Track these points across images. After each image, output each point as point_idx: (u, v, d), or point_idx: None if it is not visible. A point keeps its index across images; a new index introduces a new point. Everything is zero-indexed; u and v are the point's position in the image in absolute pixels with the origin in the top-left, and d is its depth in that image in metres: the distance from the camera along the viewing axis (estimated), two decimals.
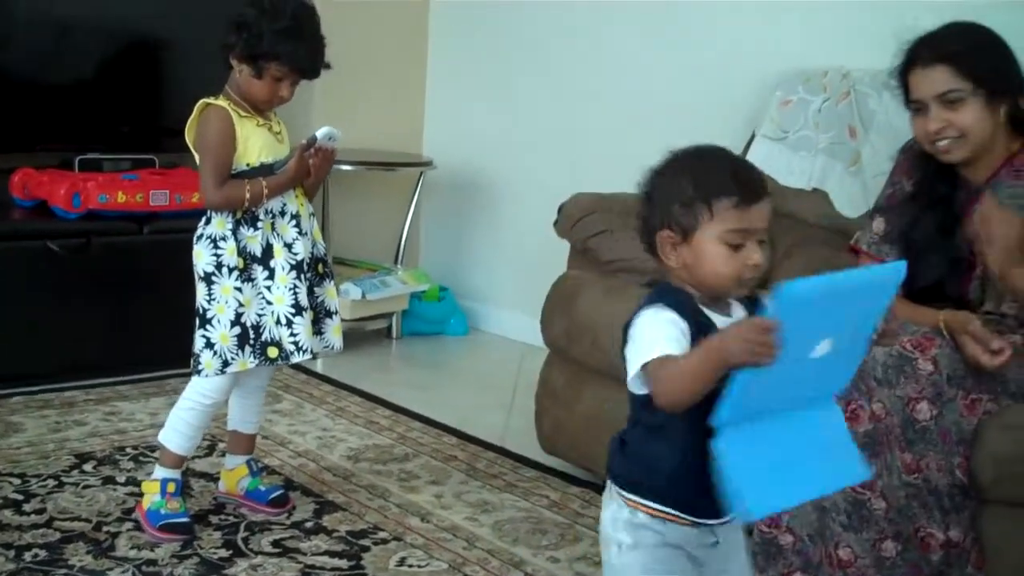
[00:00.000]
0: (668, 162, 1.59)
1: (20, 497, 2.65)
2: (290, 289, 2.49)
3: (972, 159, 2.30)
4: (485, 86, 4.57)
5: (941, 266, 2.33)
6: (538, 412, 3.03)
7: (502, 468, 3.04)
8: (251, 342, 2.47)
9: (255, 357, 2.48)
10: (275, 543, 2.51)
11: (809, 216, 3.03)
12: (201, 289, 2.48)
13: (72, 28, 3.73)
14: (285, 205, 2.52)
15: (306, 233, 2.54)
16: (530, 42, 4.37)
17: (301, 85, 2.52)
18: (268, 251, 2.49)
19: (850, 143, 3.03)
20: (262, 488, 2.68)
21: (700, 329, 1.50)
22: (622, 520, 1.60)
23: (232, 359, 2.46)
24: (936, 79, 2.26)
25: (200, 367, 2.47)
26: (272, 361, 2.50)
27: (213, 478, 2.80)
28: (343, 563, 2.43)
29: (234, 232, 2.47)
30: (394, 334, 4.43)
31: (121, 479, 2.80)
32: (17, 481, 2.74)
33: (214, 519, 2.61)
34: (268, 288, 2.49)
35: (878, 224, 2.46)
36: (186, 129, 2.51)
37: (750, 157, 3.02)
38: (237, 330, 2.46)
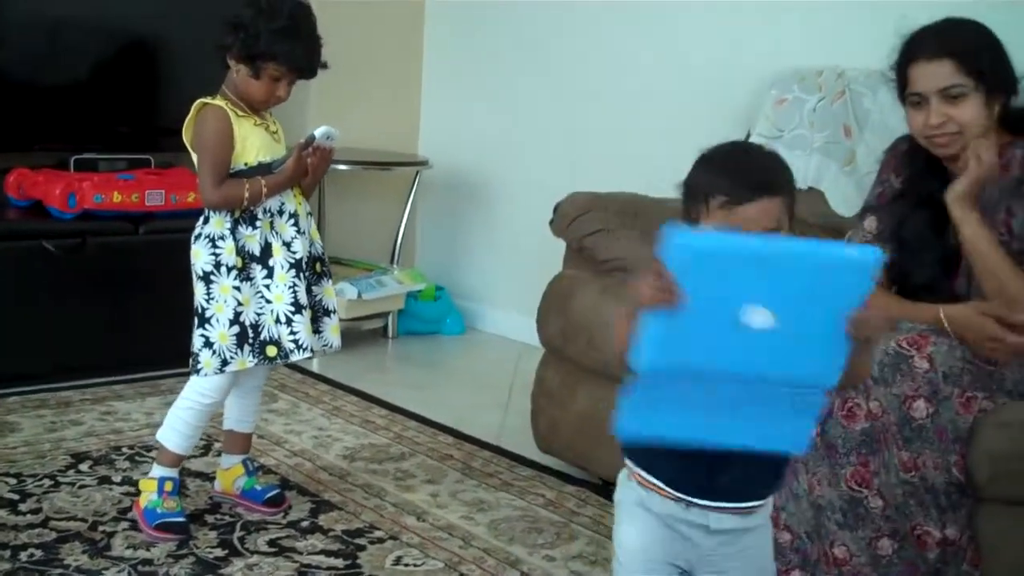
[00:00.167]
0: (698, 157, 1.62)
1: (16, 497, 2.65)
2: (289, 287, 2.49)
3: (962, 154, 2.31)
4: (481, 85, 4.58)
5: (933, 263, 2.34)
6: (534, 411, 3.03)
7: (498, 467, 3.04)
8: (250, 341, 2.47)
9: (254, 356, 2.48)
10: (271, 542, 2.51)
11: (805, 215, 3.03)
12: (199, 288, 2.48)
13: (67, 28, 3.72)
14: (283, 204, 2.52)
15: (304, 232, 2.54)
16: (526, 41, 4.37)
17: (297, 85, 2.52)
18: (267, 250, 2.50)
19: (845, 142, 3.03)
20: (258, 487, 2.68)
21: None
22: (622, 478, 1.67)
23: (231, 358, 2.46)
24: (940, 73, 2.26)
25: (199, 366, 2.47)
26: (271, 360, 2.50)
27: (209, 477, 2.80)
28: (339, 562, 2.43)
29: (233, 231, 2.47)
30: (390, 333, 4.43)
31: (117, 479, 2.80)
32: (13, 481, 2.74)
33: (210, 518, 2.61)
34: (267, 287, 2.49)
35: (870, 223, 2.47)
36: (183, 129, 2.51)
37: None
38: (236, 329, 2.46)
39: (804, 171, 3.08)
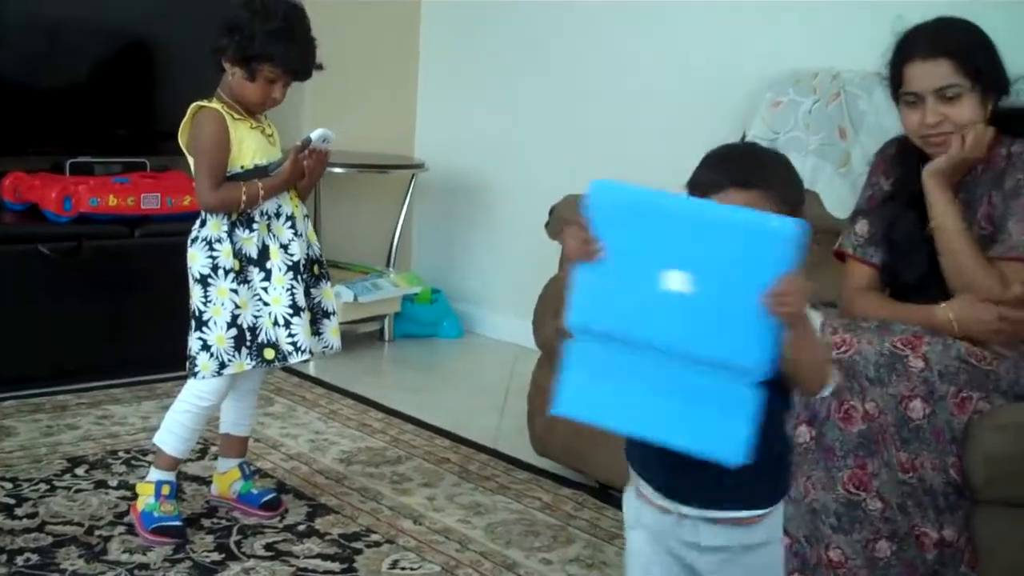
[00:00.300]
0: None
1: (12, 501, 2.64)
2: (287, 290, 2.49)
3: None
4: (477, 87, 4.58)
5: (923, 263, 2.34)
6: (530, 414, 3.03)
7: (495, 470, 3.04)
8: (248, 344, 2.47)
9: (252, 359, 2.48)
10: (268, 546, 2.50)
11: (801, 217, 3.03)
12: (196, 291, 2.48)
13: (63, 31, 3.72)
14: (280, 207, 2.52)
15: (301, 234, 2.55)
16: (522, 43, 4.37)
17: (292, 88, 2.53)
18: (264, 252, 2.49)
19: (840, 144, 3.04)
20: (254, 491, 2.68)
21: None
22: (627, 495, 1.64)
23: (229, 361, 2.46)
24: (937, 73, 2.27)
25: (196, 369, 2.47)
26: (269, 363, 2.50)
27: (205, 481, 2.80)
28: (336, 566, 2.43)
29: (230, 234, 2.47)
30: (386, 337, 4.43)
31: (113, 483, 2.79)
32: (9, 485, 2.73)
33: (206, 523, 2.60)
34: (265, 289, 2.49)
35: (861, 227, 2.48)
36: (179, 132, 2.50)
37: None
38: (233, 332, 2.46)
39: (799, 173, 3.06)
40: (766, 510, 1.56)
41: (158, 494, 2.51)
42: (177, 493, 2.57)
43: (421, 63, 4.79)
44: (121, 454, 2.99)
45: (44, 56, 3.71)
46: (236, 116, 2.47)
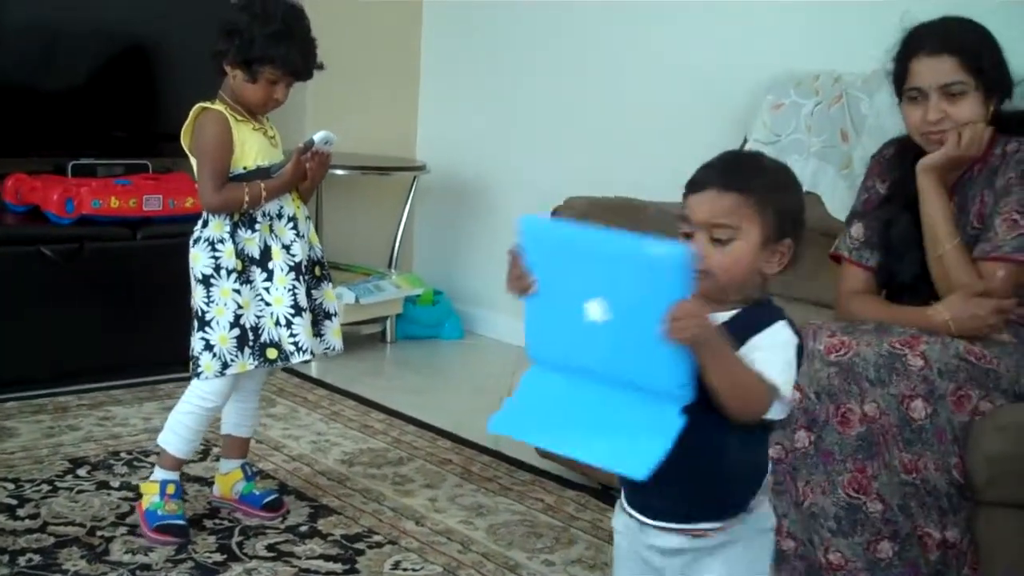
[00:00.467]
0: None
1: (14, 502, 2.64)
2: (289, 290, 2.49)
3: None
4: (478, 90, 4.58)
5: (916, 264, 2.35)
6: None
7: (497, 472, 3.04)
8: (250, 344, 2.48)
9: (254, 358, 2.48)
10: (269, 547, 2.51)
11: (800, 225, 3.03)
12: (199, 292, 2.48)
13: (65, 33, 3.73)
14: (282, 208, 2.53)
15: (303, 235, 2.55)
16: (523, 46, 4.37)
17: (294, 90, 2.53)
18: (266, 253, 2.50)
19: (842, 146, 3.04)
20: (256, 492, 2.68)
21: None
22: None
23: (232, 361, 2.46)
24: (942, 69, 2.27)
25: (199, 370, 2.48)
26: (271, 362, 2.50)
27: (207, 482, 2.80)
28: (338, 567, 2.43)
29: (232, 234, 2.47)
30: (388, 338, 4.43)
31: (115, 484, 2.80)
32: (11, 486, 2.74)
33: (209, 523, 2.61)
34: (267, 290, 2.49)
35: (857, 230, 2.48)
36: (182, 133, 2.51)
37: None
38: (236, 332, 2.46)
39: (801, 175, 3.02)
40: (716, 524, 1.54)
41: (163, 493, 2.51)
42: (182, 493, 2.58)
43: (422, 65, 4.80)
44: (123, 455, 2.99)
45: (46, 58, 3.72)
46: (239, 118, 2.48)
